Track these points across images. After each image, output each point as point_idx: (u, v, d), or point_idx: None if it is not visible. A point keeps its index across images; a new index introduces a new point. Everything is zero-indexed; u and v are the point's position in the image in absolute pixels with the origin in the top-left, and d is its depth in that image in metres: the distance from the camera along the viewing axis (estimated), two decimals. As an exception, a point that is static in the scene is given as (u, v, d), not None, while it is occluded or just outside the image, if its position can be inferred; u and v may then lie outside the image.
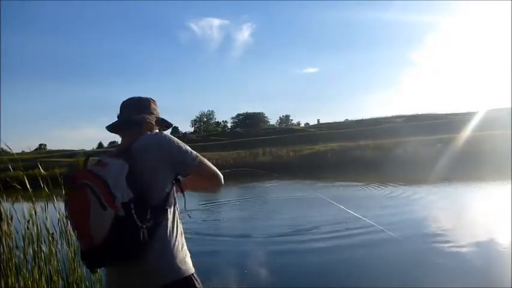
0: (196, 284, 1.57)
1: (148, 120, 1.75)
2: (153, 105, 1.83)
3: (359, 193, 11.33)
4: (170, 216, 1.57)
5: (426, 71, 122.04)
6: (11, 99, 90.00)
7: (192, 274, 1.57)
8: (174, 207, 1.61)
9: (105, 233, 1.38)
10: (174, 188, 1.63)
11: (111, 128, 1.78)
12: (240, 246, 6.39)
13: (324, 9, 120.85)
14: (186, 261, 1.58)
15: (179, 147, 1.63)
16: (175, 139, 1.65)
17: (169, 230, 1.55)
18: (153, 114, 1.81)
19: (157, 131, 1.80)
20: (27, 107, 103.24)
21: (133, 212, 1.42)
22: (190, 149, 1.66)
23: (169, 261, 1.52)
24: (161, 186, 1.56)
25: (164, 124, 1.87)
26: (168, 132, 1.89)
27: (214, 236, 7.16)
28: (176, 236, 1.58)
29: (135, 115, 1.75)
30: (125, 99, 1.84)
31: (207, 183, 1.77)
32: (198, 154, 1.67)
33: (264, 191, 13.90)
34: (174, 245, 1.55)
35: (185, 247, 1.61)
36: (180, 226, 1.64)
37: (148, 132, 1.71)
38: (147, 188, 1.51)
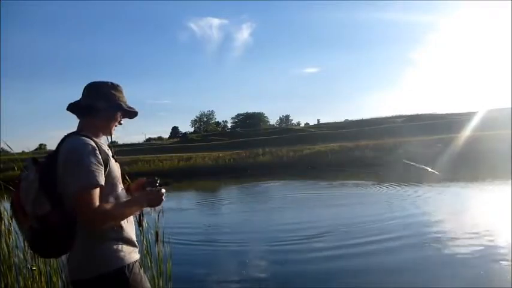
0: (128, 276, 1.59)
1: (96, 106, 1.65)
2: (111, 91, 1.72)
3: (371, 192, 11.27)
4: None
5: (426, 71, 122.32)
6: (11, 99, 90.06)
7: (122, 268, 1.59)
8: None
9: (29, 240, 1.59)
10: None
11: (69, 110, 1.73)
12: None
13: (324, 9, 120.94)
14: (110, 257, 1.58)
15: (74, 164, 1.51)
16: (80, 156, 1.52)
17: (86, 235, 1.55)
18: (111, 100, 1.70)
19: (120, 120, 1.77)
20: (27, 107, 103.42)
21: (45, 226, 1.50)
22: (86, 173, 1.50)
23: (88, 259, 1.58)
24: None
25: (120, 111, 1.74)
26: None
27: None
28: (97, 236, 1.57)
29: (83, 99, 1.70)
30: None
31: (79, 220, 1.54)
32: (87, 185, 1.49)
33: (267, 190, 13.89)
34: (93, 245, 1.57)
35: (110, 244, 1.59)
36: (112, 227, 1.61)
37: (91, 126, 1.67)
38: (64, 197, 1.53)
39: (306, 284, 4.42)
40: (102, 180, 1.55)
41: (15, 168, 3.87)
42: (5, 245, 3.19)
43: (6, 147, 3.54)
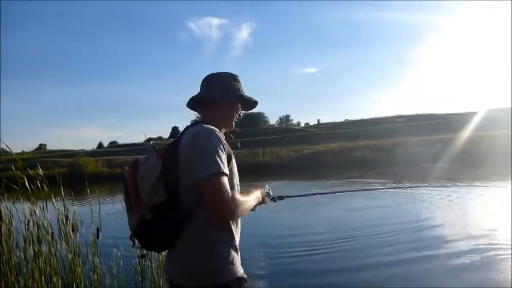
0: None
1: (217, 98, 1.58)
2: (231, 82, 1.63)
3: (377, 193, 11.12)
4: (202, 219, 1.41)
5: (426, 70, 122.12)
6: (11, 99, 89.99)
7: (237, 280, 1.45)
8: None
9: (134, 229, 1.51)
10: None
11: (189, 106, 1.67)
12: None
13: (324, 8, 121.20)
14: (223, 267, 1.44)
15: (202, 149, 1.39)
16: (208, 141, 1.41)
17: (197, 235, 1.43)
18: (232, 91, 1.62)
19: (240, 111, 1.69)
20: (27, 107, 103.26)
21: (157, 216, 1.42)
22: (217, 160, 1.37)
23: (197, 265, 1.43)
24: (193, 187, 1.39)
25: (241, 101, 1.67)
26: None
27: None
28: (207, 241, 1.43)
29: (202, 92, 1.63)
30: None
31: (208, 210, 1.40)
32: (219, 172, 1.36)
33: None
34: (201, 250, 1.43)
35: (223, 251, 1.45)
36: (224, 230, 1.47)
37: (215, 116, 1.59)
38: (182, 188, 1.41)
39: None
40: (227, 171, 1.42)
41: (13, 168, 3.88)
42: (5, 245, 3.19)
43: (5, 148, 3.54)
